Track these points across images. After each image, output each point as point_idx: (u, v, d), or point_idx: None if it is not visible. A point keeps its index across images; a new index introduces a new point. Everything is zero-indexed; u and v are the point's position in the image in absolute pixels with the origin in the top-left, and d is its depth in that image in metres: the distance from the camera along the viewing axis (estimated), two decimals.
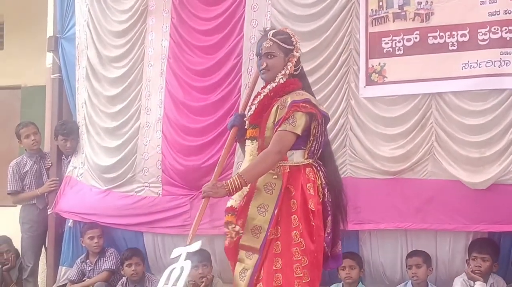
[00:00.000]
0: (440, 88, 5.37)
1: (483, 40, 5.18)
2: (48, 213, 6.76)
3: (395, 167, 5.47)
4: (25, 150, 7.05)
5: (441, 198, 5.38)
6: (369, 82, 5.57)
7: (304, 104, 3.98)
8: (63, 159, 6.92)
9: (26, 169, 6.84)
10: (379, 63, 5.48)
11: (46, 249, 6.93)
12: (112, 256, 6.35)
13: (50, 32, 7.02)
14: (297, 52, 4.16)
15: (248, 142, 4.20)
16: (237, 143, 4.45)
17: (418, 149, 5.43)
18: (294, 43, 4.17)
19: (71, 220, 6.70)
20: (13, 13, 9.35)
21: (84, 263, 6.45)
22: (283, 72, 4.10)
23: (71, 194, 6.73)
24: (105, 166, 6.56)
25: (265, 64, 4.10)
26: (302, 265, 3.90)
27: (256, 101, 4.19)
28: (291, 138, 3.95)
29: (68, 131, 6.73)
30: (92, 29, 6.65)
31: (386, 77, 5.46)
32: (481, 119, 5.24)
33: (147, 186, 6.41)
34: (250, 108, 4.24)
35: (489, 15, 5.14)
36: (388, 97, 5.49)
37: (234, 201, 4.10)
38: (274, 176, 4.02)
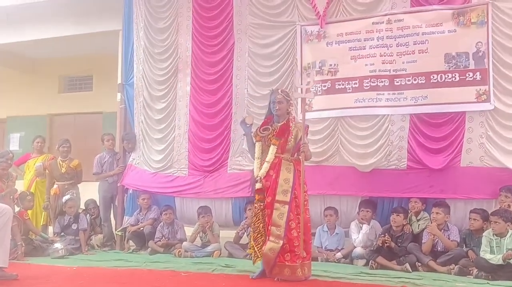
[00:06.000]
0: (342, 114, 6.08)
1: (366, 86, 5.91)
2: (118, 185, 7.21)
3: (317, 158, 6.05)
4: (105, 149, 7.51)
5: (343, 176, 6.05)
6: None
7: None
8: (127, 154, 7.34)
9: (105, 160, 7.36)
10: (309, 100, 5.87)
11: (114, 206, 7.31)
12: (155, 210, 6.93)
13: (119, 80, 7.54)
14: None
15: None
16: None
17: (330, 148, 6.13)
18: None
19: (131, 189, 7.21)
20: (97, 70, 9.82)
21: (138, 214, 7.01)
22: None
23: (131, 174, 7.20)
24: (155, 160, 7.06)
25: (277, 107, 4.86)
26: (306, 207, 4.79)
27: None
28: None
29: (129, 138, 7.23)
30: (145, 80, 7.20)
31: (313, 107, 6.12)
32: (365, 132, 5.98)
33: (179, 170, 6.95)
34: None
35: (369, 72, 5.91)
36: (313, 119, 6.06)
37: (259, 184, 4.80)
38: (290, 163, 4.82)
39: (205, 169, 6.80)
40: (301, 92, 4.98)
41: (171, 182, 7.01)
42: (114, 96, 7.77)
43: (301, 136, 4.85)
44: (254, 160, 5.05)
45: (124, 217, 7.26)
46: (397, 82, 5.87)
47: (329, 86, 6.17)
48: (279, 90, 4.92)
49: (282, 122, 4.91)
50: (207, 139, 6.83)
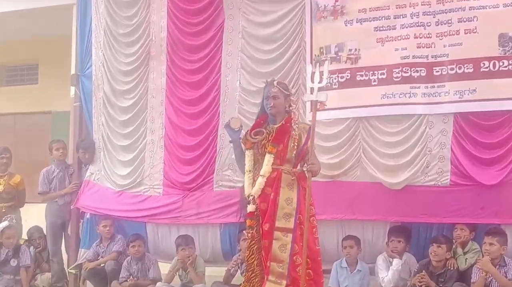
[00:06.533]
0: (365, 114, 5.53)
1: (397, 77, 5.34)
2: (71, 207, 6.70)
3: (332, 172, 5.55)
4: (54, 160, 7.00)
5: (367, 195, 5.49)
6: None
7: None
8: (83, 167, 6.86)
9: (54, 175, 6.83)
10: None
11: (66, 235, 6.86)
12: (120, 241, 6.38)
13: (73, 71, 7.03)
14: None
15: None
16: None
17: (349, 158, 5.54)
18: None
19: (88, 213, 6.69)
20: (44, 57, 9.36)
21: (98, 246, 6.46)
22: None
23: (89, 193, 6.71)
24: (121, 174, 6.57)
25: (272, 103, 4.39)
26: (315, 236, 4.37)
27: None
28: None
29: (86, 146, 6.73)
30: (106, 69, 6.67)
31: (326, 105, 5.33)
32: (396, 137, 5.39)
33: (151, 187, 6.46)
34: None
35: (401, 59, 5.32)
36: (325, 120, 5.53)
37: (252, 206, 4.36)
38: (293, 178, 4.33)
39: (185, 186, 6.23)
40: (312, 93, 4.43)
41: (141, 203, 6.46)
42: (66, 91, 7.28)
43: (304, 142, 4.44)
44: (244, 174, 4.64)
45: (80, 249, 6.72)
46: (436, 71, 5.26)
47: (348, 77, 5.55)
48: (275, 82, 4.50)
49: (280, 124, 4.48)
50: (187, 147, 6.25)
